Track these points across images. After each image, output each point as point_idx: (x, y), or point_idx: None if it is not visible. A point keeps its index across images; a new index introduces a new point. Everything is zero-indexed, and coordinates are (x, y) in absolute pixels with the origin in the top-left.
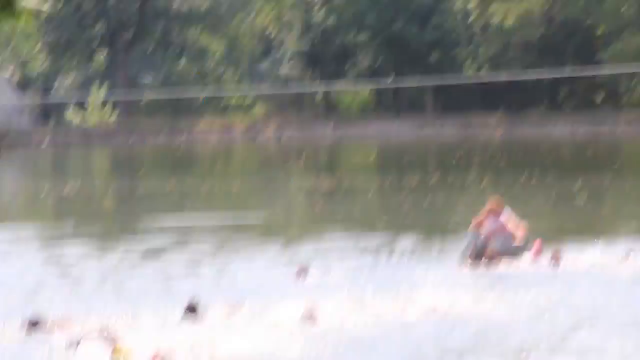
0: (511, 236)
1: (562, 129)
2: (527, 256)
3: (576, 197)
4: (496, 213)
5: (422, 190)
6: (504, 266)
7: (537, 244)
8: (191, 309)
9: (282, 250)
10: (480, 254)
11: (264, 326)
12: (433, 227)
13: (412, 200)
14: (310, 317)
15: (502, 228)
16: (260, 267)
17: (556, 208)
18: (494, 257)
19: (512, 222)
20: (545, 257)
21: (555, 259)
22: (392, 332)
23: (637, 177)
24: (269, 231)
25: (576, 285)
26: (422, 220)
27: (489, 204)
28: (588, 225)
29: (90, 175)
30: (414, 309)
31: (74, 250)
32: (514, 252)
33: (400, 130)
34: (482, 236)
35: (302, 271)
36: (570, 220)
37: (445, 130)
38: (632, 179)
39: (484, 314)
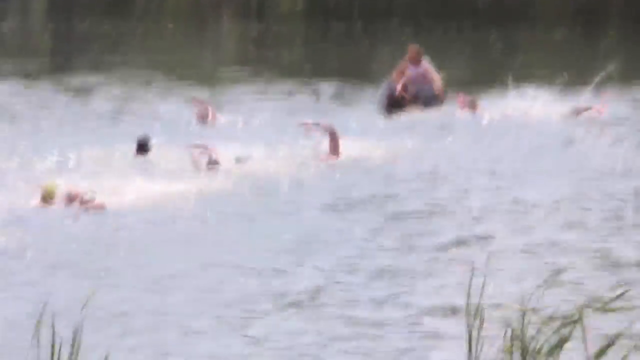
0: (432, 85)
1: None
2: (447, 107)
3: (492, 47)
4: (416, 62)
5: (348, 37)
6: (422, 114)
7: (460, 96)
8: (142, 147)
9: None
10: (398, 102)
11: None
12: (355, 74)
13: (336, 48)
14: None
15: (423, 76)
16: (176, 107)
17: (473, 57)
18: (412, 104)
19: (431, 72)
20: (465, 108)
21: (472, 107)
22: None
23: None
24: (192, 73)
25: (491, 131)
26: (344, 67)
27: (409, 53)
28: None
29: (26, 15)
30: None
31: (7, 88)
32: (433, 100)
33: None
34: (401, 84)
35: (203, 115)
36: (486, 69)
37: None
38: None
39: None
